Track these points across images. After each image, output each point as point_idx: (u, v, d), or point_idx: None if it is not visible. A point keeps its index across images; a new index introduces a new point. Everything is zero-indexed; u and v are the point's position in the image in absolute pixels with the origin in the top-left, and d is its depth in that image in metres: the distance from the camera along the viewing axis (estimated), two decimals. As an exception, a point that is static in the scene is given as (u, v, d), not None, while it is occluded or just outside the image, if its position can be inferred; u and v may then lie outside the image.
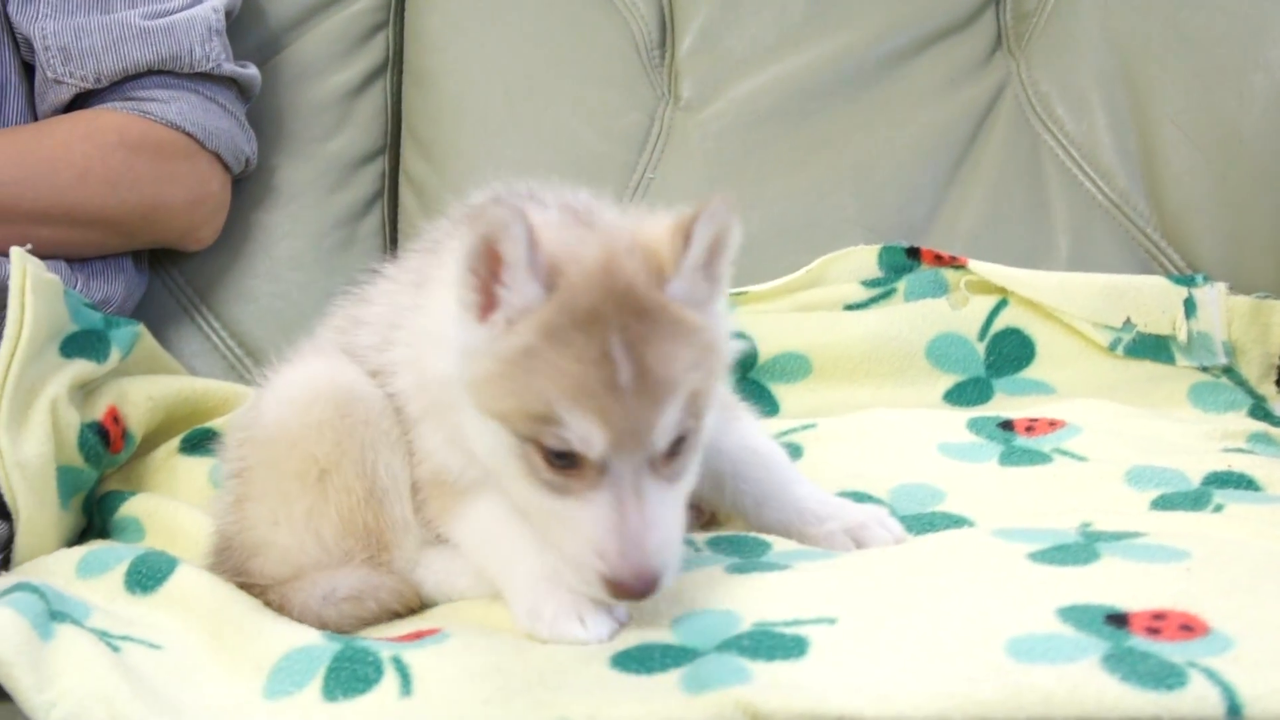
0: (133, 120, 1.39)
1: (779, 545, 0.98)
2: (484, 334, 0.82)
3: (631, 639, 0.83)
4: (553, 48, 1.62)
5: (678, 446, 0.83)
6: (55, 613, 0.91)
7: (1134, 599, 0.78)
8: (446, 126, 1.60)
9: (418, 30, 1.65)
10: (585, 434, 0.80)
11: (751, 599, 0.85)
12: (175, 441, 1.28)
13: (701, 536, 1.00)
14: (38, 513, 1.11)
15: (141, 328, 1.31)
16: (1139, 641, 0.74)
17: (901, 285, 1.40)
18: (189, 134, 1.42)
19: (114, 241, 1.42)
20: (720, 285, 0.87)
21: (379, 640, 0.88)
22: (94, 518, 1.21)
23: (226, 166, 1.47)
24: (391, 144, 1.64)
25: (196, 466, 1.25)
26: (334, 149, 1.60)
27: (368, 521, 0.95)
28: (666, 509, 0.83)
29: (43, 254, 1.20)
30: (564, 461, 0.81)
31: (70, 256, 1.37)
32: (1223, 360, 1.35)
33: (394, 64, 1.66)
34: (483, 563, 0.93)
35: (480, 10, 1.63)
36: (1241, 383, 1.34)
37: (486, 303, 0.83)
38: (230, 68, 1.46)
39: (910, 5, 1.61)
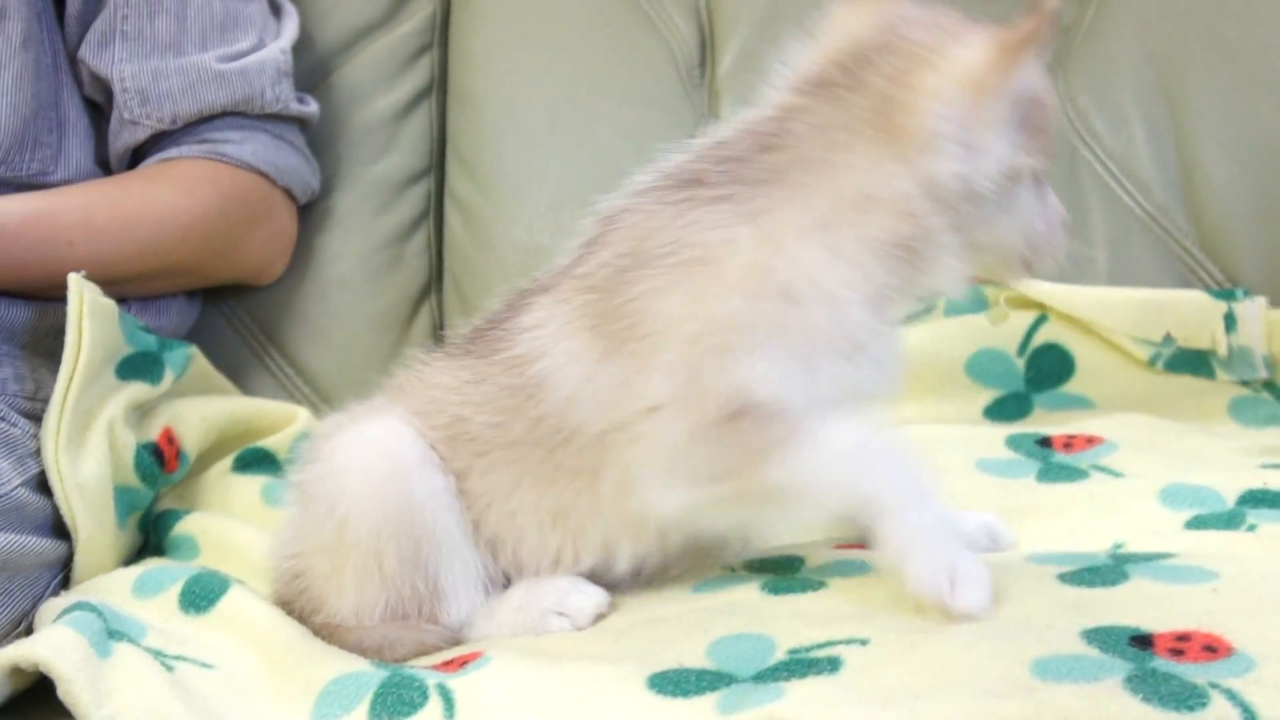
0: (221, 169, 1.43)
1: (811, 560, 1.00)
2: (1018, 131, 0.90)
3: (668, 661, 0.85)
4: (594, 68, 1.64)
5: None
6: (113, 631, 0.94)
7: (1159, 620, 0.79)
8: (490, 146, 1.62)
9: (462, 52, 1.67)
10: None
11: (786, 623, 0.87)
12: (228, 460, 1.31)
13: (737, 560, 1.02)
14: (96, 532, 1.15)
15: (194, 349, 1.34)
16: (1162, 663, 0.75)
17: (941, 301, 1.41)
18: (263, 173, 1.46)
19: (194, 283, 1.47)
20: None
21: (425, 669, 0.90)
22: (150, 536, 1.25)
23: (294, 200, 1.51)
24: (437, 165, 1.66)
25: (249, 484, 1.28)
26: (381, 171, 1.62)
27: (423, 609, 0.97)
28: None
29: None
30: None
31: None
32: (1263, 374, 1.34)
33: (439, 86, 1.68)
34: (838, 494, 0.88)
35: (523, 32, 1.66)
36: (1282, 397, 1.34)
37: None
38: (297, 108, 1.50)
39: (948, 21, 1.62)
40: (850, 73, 0.91)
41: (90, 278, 1.20)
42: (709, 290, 0.88)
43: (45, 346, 1.28)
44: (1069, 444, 1.24)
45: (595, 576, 0.98)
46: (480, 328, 1.00)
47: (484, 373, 0.97)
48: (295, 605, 1.01)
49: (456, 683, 0.86)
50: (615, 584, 0.99)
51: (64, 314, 1.19)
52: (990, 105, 0.88)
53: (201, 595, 1.02)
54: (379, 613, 0.97)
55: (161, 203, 1.38)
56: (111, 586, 1.08)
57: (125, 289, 1.34)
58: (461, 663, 0.90)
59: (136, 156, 1.45)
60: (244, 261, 1.49)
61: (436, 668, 0.90)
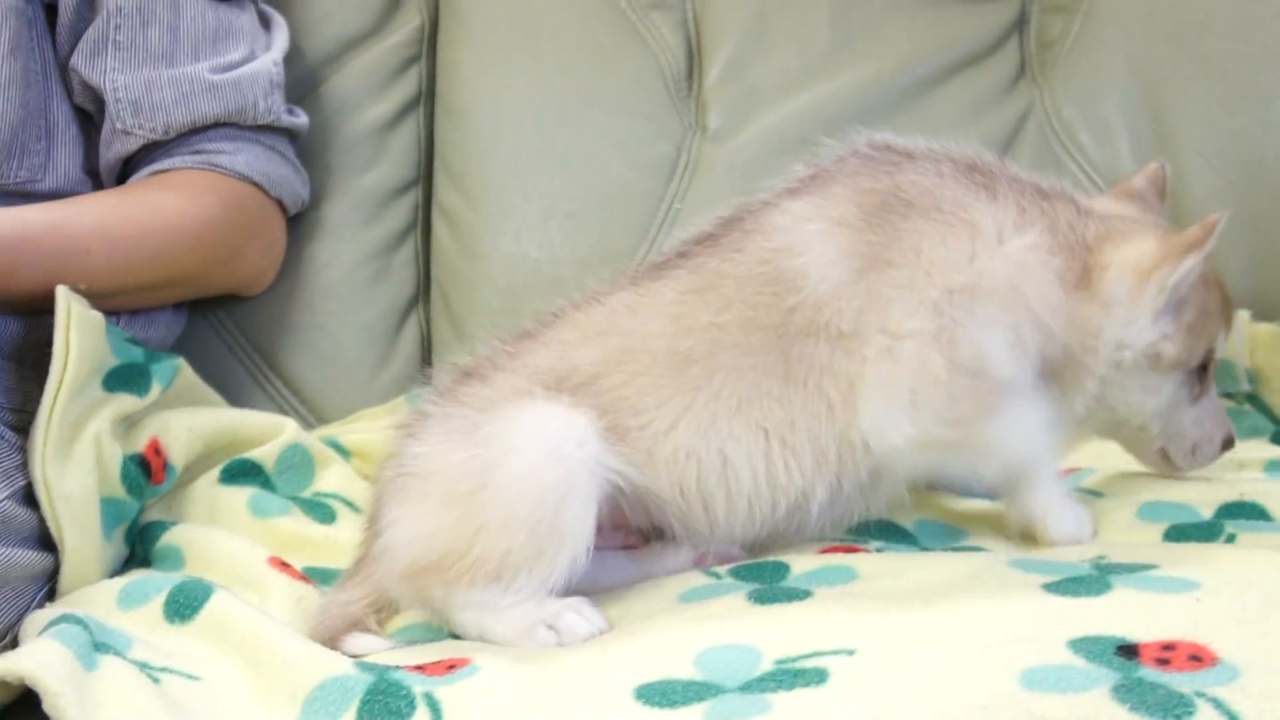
0: (219, 179, 1.43)
1: (797, 566, 1.01)
2: (1168, 323, 1.07)
3: (656, 672, 0.84)
4: (582, 80, 1.64)
5: None
6: (99, 644, 0.93)
7: (1144, 630, 0.79)
8: (478, 158, 1.63)
9: (450, 64, 1.68)
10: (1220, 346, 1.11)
11: (772, 633, 0.87)
12: (215, 472, 1.30)
13: (723, 567, 1.03)
14: (82, 544, 1.14)
15: (181, 361, 1.34)
16: (1148, 672, 0.75)
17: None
18: (256, 184, 1.46)
19: (191, 294, 1.48)
20: None
21: (412, 672, 0.90)
22: (136, 547, 1.24)
23: (284, 211, 1.52)
24: (424, 176, 1.67)
25: (236, 496, 1.28)
26: (369, 182, 1.63)
27: (453, 585, 0.99)
28: None
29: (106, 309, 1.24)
30: (1204, 374, 1.11)
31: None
32: (1246, 387, 1.35)
33: (426, 97, 1.69)
34: (1016, 457, 1.06)
35: (511, 44, 1.66)
36: (1264, 409, 1.34)
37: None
38: (288, 119, 1.51)
39: (934, 34, 1.63)
40: (1082, 213, 1.09)
41: (104, 287, 1.21)
42: (974, 250, 1.02)
43: (32, 359, 1.28)
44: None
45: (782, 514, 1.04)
46: (690, 243, 1.09)
47: (725, 271, 1.05)
48: (388, 482, 1.04)
49: (444, 691, 0.86)
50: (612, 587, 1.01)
51: (51, 326, 1.19)
52: (1148, 292, 1.05)
53: (185, 604, 1.02)
54: (416, 557, 0.99)
55: (171, 211, 1.38)
56: (97, 598, 1.08)
57: (132, 300, 1.34)
58: (449, 667, 0.90)
59: (127, 167, 1.45)
60: (241, 271, 1.49)
61: (423, 669, 0.90)
